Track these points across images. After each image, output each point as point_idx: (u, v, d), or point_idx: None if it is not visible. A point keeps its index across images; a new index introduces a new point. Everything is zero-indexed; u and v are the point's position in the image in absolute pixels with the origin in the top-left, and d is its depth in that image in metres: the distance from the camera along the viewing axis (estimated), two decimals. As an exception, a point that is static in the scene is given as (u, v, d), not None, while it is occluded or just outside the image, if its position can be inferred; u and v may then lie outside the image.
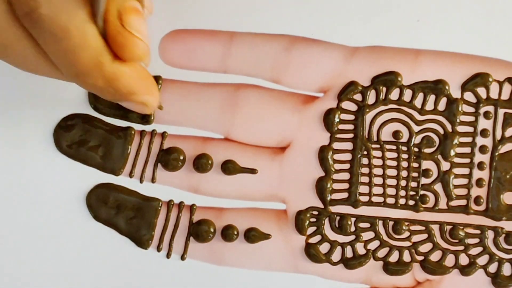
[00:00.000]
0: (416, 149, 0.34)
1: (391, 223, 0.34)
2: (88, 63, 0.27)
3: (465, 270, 0.34)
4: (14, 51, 0.27)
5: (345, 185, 0.34)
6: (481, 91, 0.34)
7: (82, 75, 0.27)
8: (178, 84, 0.34)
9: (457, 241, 0.34)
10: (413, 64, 0.34)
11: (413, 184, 0.34)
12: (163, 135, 0.34)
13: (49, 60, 0.28)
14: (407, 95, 0.34)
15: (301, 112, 0.34)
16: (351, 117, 0.34)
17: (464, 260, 0.34)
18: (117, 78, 0.28)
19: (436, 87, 0.34)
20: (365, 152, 0.34)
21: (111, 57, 0.27)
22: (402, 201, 0.34)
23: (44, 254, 0.34)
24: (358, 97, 0.34)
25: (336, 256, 0.34)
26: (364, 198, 0.34)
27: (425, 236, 0.34)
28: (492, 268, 0.34)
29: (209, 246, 0.34)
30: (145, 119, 0.34)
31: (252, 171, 0.34)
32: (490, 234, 0.34)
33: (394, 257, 0.34)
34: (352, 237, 0.34)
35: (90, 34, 0.26)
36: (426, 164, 0.34)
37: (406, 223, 0.34)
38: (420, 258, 0.34)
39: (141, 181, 0.34)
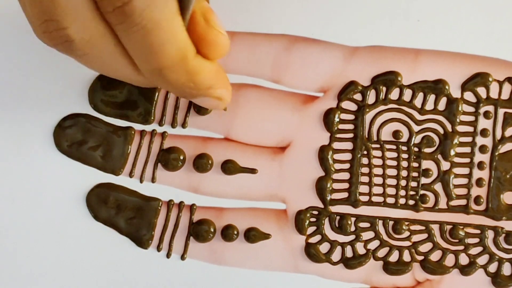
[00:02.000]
0: (416, 149, 0.34)
1: (391, 222, 0.34)
2: (175, 57, 0.26)
3: (465, 270, 0.34)
4: (94, 48, 0.27)
5: (345, 185, 0.34)
6: (481, 91, 0.34)
7: (166, 70, 0.27)
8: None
9: (457, 240, 0.34)
10: (413, 64, 0.34)
11: (413, 183, 0.34)
12: (163, 135, 0.34)
13: (128, 59, 0.27)
14: (407, 95, 0.34)
15: (301, 112, 0.34)
16: (351, 116, 0.34)
17: (464, 260, 0.34)
18: (199, 72, 0.28)
19: (436, 86, 0.34)
20: (365, 152, 0.34)
21: (195, 51, 0.27)
22: (402, 200, 0.34)
23: (44, 254, 0.34)
24: (358, 97, 0.34)
25: (336, 256, 0.34)
26: (364, 198, 0.34)
27: (425, 236, 0.34)
28: (492, 267, 0.34)
29: (209, 246, 0.34)
30: (145, 118, 0.34)
31: (252, 171, 0.34)
32: (490, 234, 0.34)
33: (394, 257, 0.34)
34: (352, 237, 0.34)
35: (178, 27, 0.26)
36: (426, 164, 0.34)
37: (406, 223, 0.34)
38: (420, 257, 0.34)
39: (141, 181, 0.34)
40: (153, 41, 0.26)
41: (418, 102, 0.34)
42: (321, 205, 0.34)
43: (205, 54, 0.28)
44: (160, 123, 0.34)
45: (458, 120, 0.34)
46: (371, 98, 0.34)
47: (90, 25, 0.26)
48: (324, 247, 0.34)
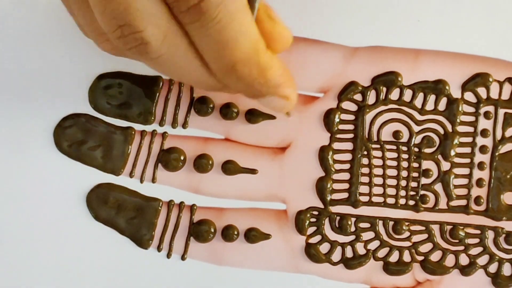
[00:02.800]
0: (416, 149, 0.34)
1: (391, 223, 0.34)
2: (248, 50, 0.27)
3: (465, 270, 0.34)
4: (167, 50, 0.27)
5: (345, 185, 0.34)
6: (481, 91, 0.34)
7: (240, 64, 0.27)
8: (178, 83, 0.34)
9: (457, 241, 0.34)
10: (413, 64, 0.34)
11: (413, 184, 0.34)
12: (164, 135, 0.34)
13: (200, 59, 0.27)
14: (407, 95, 0.34)
15: (301, 112, 0.34)
16: (351, 117, 0.34)
17: (464, 260, 0.34)
18: (270, 66, 0.28)
19: (436, 87, 0.34)
20: (365, 152, 0.34)
21: (265, 44, 0.28)
22: (402, 201, 0.34)
23: (44, 254, 0.34)
24: (358, 97, 0.34)
25: (336, 256, 0.34)
26: (364, 198, 0.34)
27: (425, 236, 0.34)
28: (492, 268, 0.34)
29: (209, 246, 0.34)
30: (145, 118, 0.34)
31: (252, 171, 0.34)
32: (490, 234, 0.34)
33: (394, 257, 0.34)
34: (352, 237, 0.34)
35: (250, 19, 0.26)
36: (426, 164, 0.34)
37: (406, 223, 0.34)
38: (420, 258, 0.34)
39: (141, 181, 0.34)
40: (228, 35, 0.26)
41: (418, 102, 0.34)
42: (321, 205, 0.34)
43: (274, 48, 0.28)
44: (161, 123, 0.34)
45: (458, 120, 0.34)
46: (371, 98, 0.34)
47: (164, 27, 0.26)
48: (324, 247, 0.34)
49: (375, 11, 0.34)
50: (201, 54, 0.27)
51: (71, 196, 0.34)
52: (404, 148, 0.34)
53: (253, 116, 0.34)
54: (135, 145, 0.34)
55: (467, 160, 0.34)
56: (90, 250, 0.34)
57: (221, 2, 0.25)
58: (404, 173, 0.34)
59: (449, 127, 0.34)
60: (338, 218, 0.34)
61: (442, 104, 0.34)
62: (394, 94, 0.34)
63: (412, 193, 0.34)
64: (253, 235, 0.34)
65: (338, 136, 0.34)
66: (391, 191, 0.34)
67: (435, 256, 0.34)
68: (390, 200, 0.34)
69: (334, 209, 0.34)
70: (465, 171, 0.34)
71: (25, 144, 0.34)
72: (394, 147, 0.34)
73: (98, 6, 0.26)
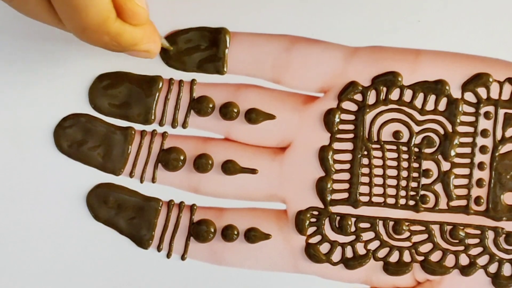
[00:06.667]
0: (416, 149, 0.34)
1: (391, 223, 0.34)
2: (97, 20, 0.28)
3: (465, 270, 0.34)
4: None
5: (345, 185, 0.34)
6: (482, 91, 0.34)
7: (88, 30, 0.28)
8: (178, 83, 0.34)
9: (457, 241, 0.34)
10: (413, 64, 0.34)
11: (414, 184, 0.34)
12: (164, 135, 0.34)
13: (53, 12, 0.29)
14: (408, 95, 0.34)
15: (301, 112, 0.34)
16: (352, 117, 0.34)
17: (464, 260, 0.34)
18: (121, 34, 0.29)
19: (437, 87, 0.34)
20: (366, 152, 0.34)
21: (115, 15, 0.28)
22: (402, 201, 0.34)
23: (44, 254, 0.34)
24: (358, 97, 0.34)
25: (336, 256, 0.34)
26: (365, 198, 0.34)
27: (425, 236, 0.34)
28: (492, 268, 0.34)
29: (209, 246, 0.34)
30: (145, 118, 0.34)
31: (253, 171, 0.34)
32: (490, 234, 0.34)
33: (394, 257, 0.34)
34: (352, 237, 0.34)
35: None
36: (427, 164, 0.34)
37: (406, 223, 0.34)
38: (420, 258, 0.34)
39: (141, 181, 0.34)
40: (76, 3, 0.27)
41: (418, 102, 0.34)
42: (321, 206, 0.34)
43: (125, 20, 0.29)
44: (161, 123, 0.34)
45: (458, 120, 0.34)
46: (371, 98, 0.34)
47: None
48: (324, 248, 0.34)
49: (375, 11, 0.34)
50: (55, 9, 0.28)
51: (71, 196, 0.34)
52: (404, 148, 0.34)
53: (253, 116, 0.34)
54: (135, 145, 0.34)
55: (467, 160, 0.34)
56: (90, 250, 0.34)
57: None
58: (404, 173, 0.34)
59: (449, 127, 0.34)
60: (338, 218, 0.34)
61: (442, 104, 0.34)
62: (394, 94, 0.34)
63: (412, 193, 0.34)
64: (253, 235, 0.34)
65: (338, 136, 0.34)
66: (391, 191, 0.34)
67: (435, 256, 0.34)
68: (390, 200, 0.34)
69: (334, 209, 0.34)
70: (465, 171, 0.34)
71: (25, 144, 0.34)
72: (394, 147, 0.34)
73: None
